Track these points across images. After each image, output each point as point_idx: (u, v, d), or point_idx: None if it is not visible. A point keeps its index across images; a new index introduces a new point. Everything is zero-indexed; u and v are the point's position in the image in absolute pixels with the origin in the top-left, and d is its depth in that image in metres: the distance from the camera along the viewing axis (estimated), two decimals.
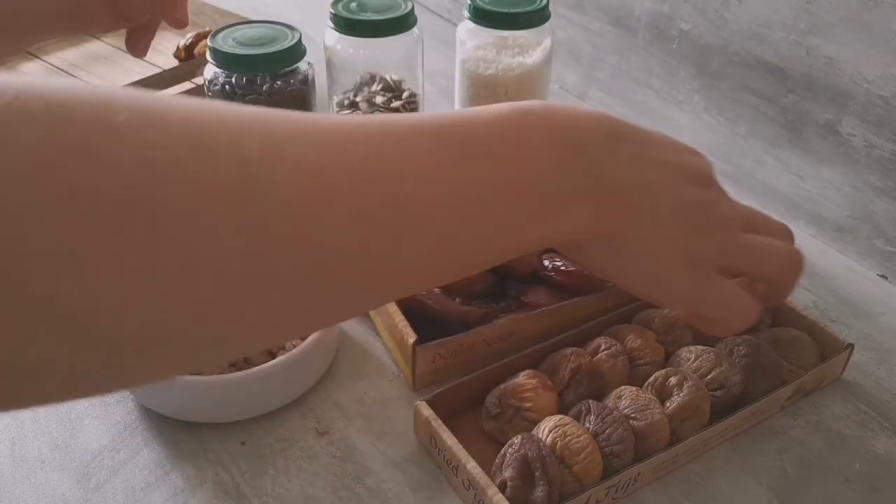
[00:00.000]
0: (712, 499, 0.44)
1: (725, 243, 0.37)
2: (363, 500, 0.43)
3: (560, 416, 0.43)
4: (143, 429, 0.46)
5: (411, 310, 0.49)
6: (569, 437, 0.42)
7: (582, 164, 0.32)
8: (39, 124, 0.19)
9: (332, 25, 0.64)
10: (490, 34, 0.66)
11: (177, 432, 0.46)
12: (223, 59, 0.60)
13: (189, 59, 0.79)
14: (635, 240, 0.34)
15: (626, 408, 0.44)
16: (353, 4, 0.64)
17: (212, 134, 0.22)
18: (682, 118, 0.72)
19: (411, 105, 0.68)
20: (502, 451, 0.42)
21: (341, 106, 0.68)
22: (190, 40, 0.80)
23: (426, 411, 0.44)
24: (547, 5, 0.65)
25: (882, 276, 0.61)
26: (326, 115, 0.26)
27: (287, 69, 0.61)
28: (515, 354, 0.48)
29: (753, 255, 0.38)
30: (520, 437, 0.42)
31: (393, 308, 0.49)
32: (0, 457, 0.45)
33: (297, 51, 0.61)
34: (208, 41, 0.61)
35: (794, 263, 0.40)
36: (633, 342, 0.49)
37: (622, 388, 0.45)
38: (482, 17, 0.64)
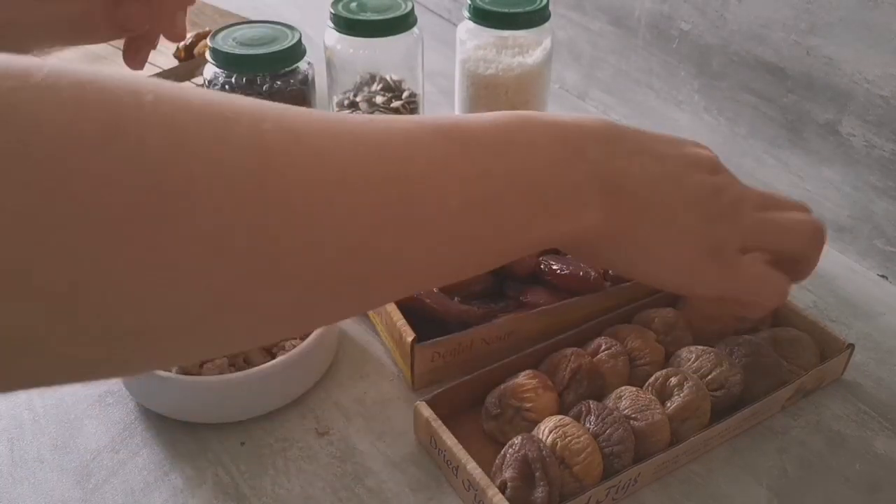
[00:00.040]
0: (713, 499, 0.44)
1: (743, 224, 0.37)
2: (363, 501, 0.43)
3: (560, 417, 0.43)
4: (143, 429, 0.46)
5: (410, 309, 0.49)
6: (569, 438, 0.42)
7: (583, 163, 0.32)
8: (70, 102, 0.19)
9: (331, 25, 0.64)
10: (490, 34, 0.66)
11: (176, 432, 0.46)
12: (223, 59, 0.59)
13: (189, 59, 0.79)
14: (650, 236, 0.34)
15: (626, 408, 0.44)
16: (353, 4, 0.64)
17: (232, 117, 0.22)
18: (682, 118, 0.72)
19: (411, 105, 0.67)
20: (502, 452, 0.42)
21: (341, 106, 0.68)
22: (190, 40, 0.80)
23: (426, 411, 0.44)
24: (547, 5, 0.65)
25: (882, 276, 0.61)
26: (332, 112, 0.27)
27: (287, 69, 0.61)
28: (515, 354, 0.48)
29: (773, 232, 0.38)
30: (520, 437, 0.42)
31: (391, 307, 0.49)
32: None
33: (296, 51, 0.61)
34: (208, 41, 0.61)
35: (816, 234, 0.40)
36: (633, 342, 0.49)
37: (622, 388, 0.45)
38: (482, 16, 0.64)
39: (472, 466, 0.41)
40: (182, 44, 0.79)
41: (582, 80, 0.82)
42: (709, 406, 0.45)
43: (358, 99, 0.67)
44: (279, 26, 0.63)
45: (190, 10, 0.54)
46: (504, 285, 0.54)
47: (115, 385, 0.48)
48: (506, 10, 0.63)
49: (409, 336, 0.47)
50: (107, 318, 0.20)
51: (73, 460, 0.45)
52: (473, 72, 0.67)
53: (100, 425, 0.47)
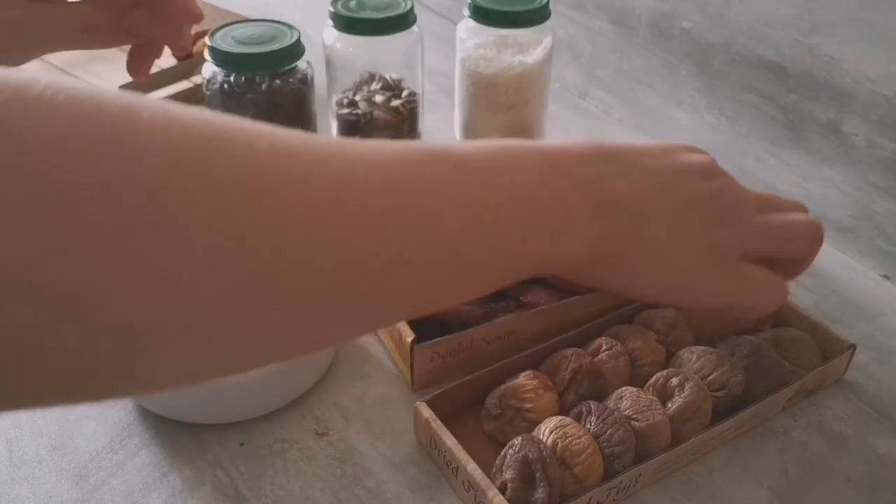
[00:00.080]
0: (713, 500, 0.44)
1: (743, 229, 0.37)
2: (363, 502, 0.43)
3: (561, 417, 0.43)
4: (142, 430, 0.46)
5: None
6: (569, 439, 0.41)
7: (571, 186, 0.32)
8: (67, 116, 0.19)
9: (331, 24, 0.63)
10: (490, 33, 0.65)
11: (175, 433, 0.46)
12: (222, 57, 0.59)
13: (187, 57, 0.79)
14: (647, 252, 0.34)
15: (627, 409, 0.44)
16: (353, 3, 0.64)
17: (227, 136, 0.22)
18: (683, 118, 0.72)
19: (411, 104, 0.67)
20: (503, 453, 0.42)
21: (340, 105, 0.67)
22: None
23: (426, 412, 0.44)
24: (547, 4, 0.64)
25: (884, 277, 0.60)
26: (325, 135, 0.27)
27: (286, 68, 0.61)
28: (516, 355, 0.47)
29: (775, 236, 0.38)
30: (520, 438, 0.42)
31: None
32: None
33: (296, 49, 0.61)
34: (207, 40, 0.61)
35: (816, 235, 0.40)
36: (634, 343, 0.49)
37: (623, 388, 0.45)
38: (482, 15, 0.64)
39: (472, 467, 0.41)
40: None
41: (582, 80, 0.82)
42: (710, 407, 0.45)
43: (357, 98, 0.67)
44: (278, 25, 0.62)
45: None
46: None
47: None
48: (506, 9, 0.63)
49: (409, 336, 0.47)
50: (99, 326, 0.20)
51: (72, 461, 0.44)
52: (473, 71, 0.67)
53: (98, 426, 0.46)
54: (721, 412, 0.45)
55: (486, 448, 0.44)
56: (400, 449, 0.46)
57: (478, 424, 0.46)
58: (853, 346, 0.49)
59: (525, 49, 0.66)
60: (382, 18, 0.62)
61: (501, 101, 0.68)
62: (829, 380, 0.50)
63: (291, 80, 0.61)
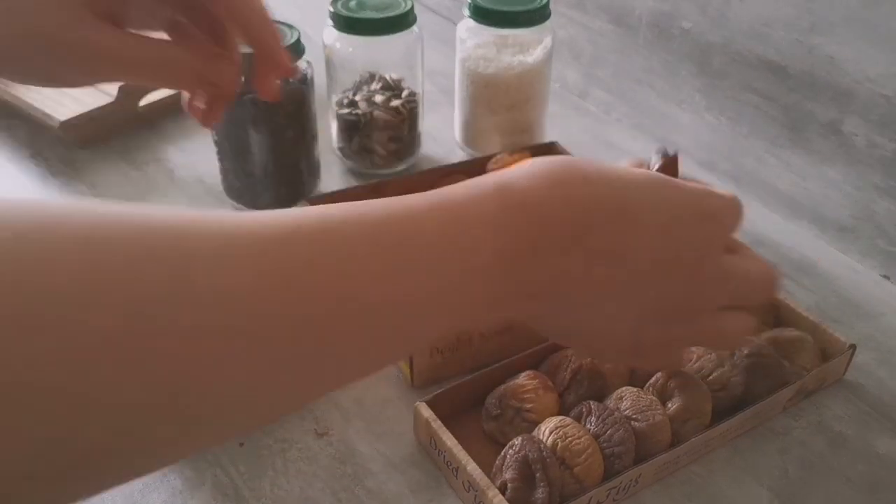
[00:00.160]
0: (714, 500, 0.44)
1: (691, 328, 0.36)
2: (362, 502, 0.43)
3: (561, 418, 0.43)
4: None
5: None
6: (569, 439, 0.41)
7: (531, 267, 0.29)
8: None
9: (331, 24, 0.63)
10: (490, 33, 0.65)
11: None
12: None
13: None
14: (588, 332, 0.34)
15: (627, 409, 0.44)
16: (353, 3, 0.64)
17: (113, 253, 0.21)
18: (683, 117, 0.72)
19: (411, 104, 0.67)
20: (503, 453, 0.42)
21: (340, 105, 0.67)
22: None
23: (426, 412, 0.44)
24: (547, 4, 0.64)
25: (884, 277, 0.60)
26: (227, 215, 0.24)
27: None
28: (516, 355, 0.47)
29: (721, 336, 0.38)
30: (520, 438, 0.42)
31: None
32: None
33: (295, 49, 0.61)
34: None
35: (770, 285, 0.37)
36: None
37: (623, 388, 0.45)
38: (482, 15, 0.64)
39: (472, 467, 0.40)
40: None
41: (582, 79, 0.82)
42: (710, 407, 0.45)
43: (357, 98, 0.67)
44: (278, 25, 0.62)
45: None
46: None
47: None
48: (506, 9, 0.63)
49: None
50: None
51: None
52: (473, 70, 0.67)
53: None
54: (721, 412, 0.45)
55: (486, 448, 0.44)
56: (400, 449, 0.46)
57: (478, 424, 0.46)
58: (853, 346, 0.49)
59: (525, 49, 0.66)
60: (382, 18, 0.62)
61: (501, 101, 0.68)
62: (829, 380, 0.50)
63: (291, 80, 0.61)
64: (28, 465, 0.19)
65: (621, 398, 0.44)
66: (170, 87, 0.41)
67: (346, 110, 0.67)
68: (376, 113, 0.66)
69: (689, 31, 0.68)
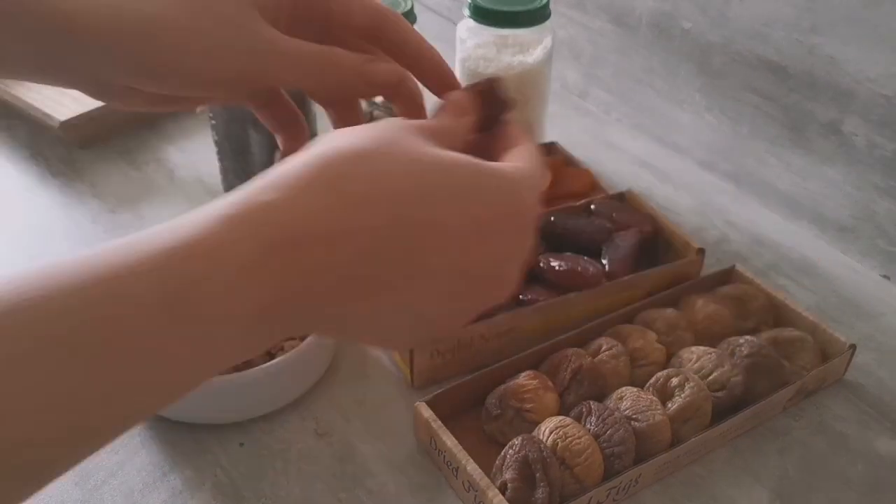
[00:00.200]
0: (714, 500, 0.44)
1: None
2: (363, 502, 0.43)
3: (561, 418, 0.43)
4: (142, 430, 0.46)
5: None
6: (570, 439, 0.41)
7: (298, 311, 0.25)
8: None
9: None
10: (490, 32, 0.65)
11: (175, 433, 0.46)
12: None
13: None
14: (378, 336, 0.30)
15: (627, 409, 0.44)
16: None
17: None
18: (683, 117, 0.72)
19: None
20: (503, 453, 0.42)
21: None
22: None
23: (426, 412, 0.44)
24: (547, 4, 0.64)
25: (884, 277, 0.60)
26: None
27: None
28: (516, 355, 0.47)
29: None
30: (520, 438, 0.42)
31: None
32: None
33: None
34: None
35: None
36: (634, 343, 0.49)
37: (623, 388, 0.45)
38: (482, 15, 0.64)
39: (472, 467, 0.40)
40: None
41: (583, 79, 0.82)
42: (710, 407, 0.45)
43: None
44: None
45: None
46: None
47: None
48: (506, 9, 0.63)
49: None
50: None
51: None
52: (473, 70, 0.67)
53: None
54: (721, 412, 0.45)
55: (487, 448, 0.44)
56: (400, 449, 0.46)
57: (478, 424, 0.46)
58: (853, 346, 0.49)
59: (525, 49, 0.66)
60: None
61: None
62: (829, 380, 0.50)
63: None
64: None
65: (621, 398, 0.44)
66: (328, 91, 0.37)
67: None
68: (376, 113, 0.66)
69: (689, 31, 0.68)
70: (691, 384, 0.45)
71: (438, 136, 0.30)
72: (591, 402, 0.44)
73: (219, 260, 0.23)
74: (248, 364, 0.46)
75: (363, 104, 0.66)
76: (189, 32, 0.31)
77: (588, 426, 0.43)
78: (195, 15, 0.31)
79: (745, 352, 0.47)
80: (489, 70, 0.66)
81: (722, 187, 0.70)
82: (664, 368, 0.47)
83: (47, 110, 0.69)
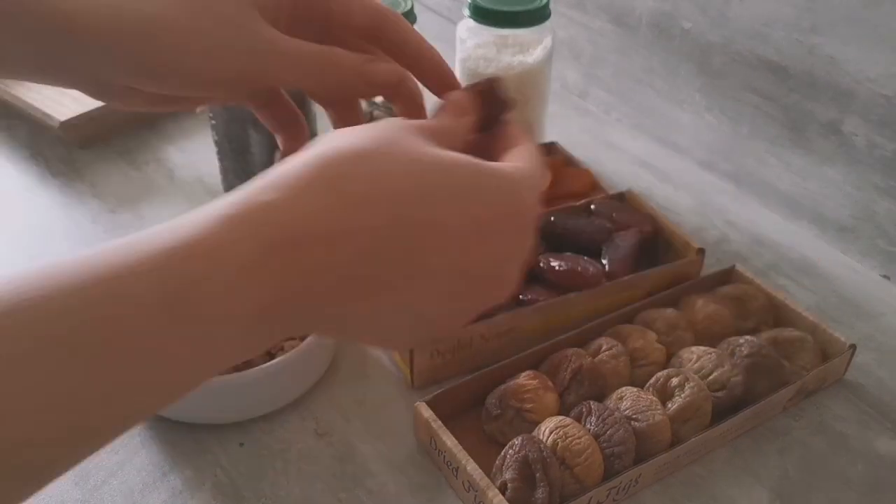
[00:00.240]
0: (714, 500, 0.44)
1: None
2: (363, 502, 0.43)
3: (561, 418, 0.43)
4: (142, 430, 0.46)
5: None
6: (570, 439, 0.41)
7: (298, 311, 0.25)
8: None
9: None
10: (490, 32, 0.65)
11: (175, 433, 0.46)
12: None
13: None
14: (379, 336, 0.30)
15: (627, 409, 0.44)
16: None
17: None
18: (683, 117, 0.72)
19: None
20: (503, 453, 0.42)
21: None
22: None
23: (426, 412, 0.44)
24: (547, 4, 0.64)
25: (884, 277, 0.60)
26: None
27: None
28: (516, 355, 0.47)
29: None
30: (520, 438, 0.42)
31: None
32: None
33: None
34: None
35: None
36: (634, 343, 0.49)
37: (623, 388, 0.45)
38: (482, 15, 0.64)
39: (472, 467, 0.40)
40: None
41: (583, 79, 0.82)
42: (710, 407, 0.45)
43: None
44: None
45: None
46: None
47: None
48: (506, 9, 0.63)
49: None
50: None
51: None
52: (474, 70, 0.67)
53: None
54: (721, 412, 0.45)
55: (487, 448, 0.44)
56: (400, 449, 0.46)
57: (478, 424, 0.46)
58: (853, 346, 0.49)
59: (525, 49, 0.66)
60: None
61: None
62: (829, 380, 0.50)
63: None
64: None
65: (621, 398, 0.44)
66: (328, 91, 0.36)
67: None
68: (376, 113, 0.66)
69: (689, 31, 0.68)
70: (691, 384, 0.45)
71: (438, 136, 0.29)
72: (591, 402, 0.44)
73: (219, 260, 0.23)
74: (248, 364, 0.46)
75: (363, 104, 0.66)
76: (189, 32, 0.31)
77: (588, 426, 0.43)
78: (195, 15, 0.31)
79: (745, 352, 0.47)
80: (489, 70, 0.66)
81: (722, 187, 0.70)
82: (664, 368, 0.47)
83: (47, 110, 0.69)
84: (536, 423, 0.43)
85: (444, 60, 0.37)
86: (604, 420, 0.43)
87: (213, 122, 0.61)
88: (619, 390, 0.45)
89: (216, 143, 0.62)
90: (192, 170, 0.69)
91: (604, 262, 0.54)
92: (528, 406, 0.44)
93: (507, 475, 0.40)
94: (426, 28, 0.67)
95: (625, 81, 0.77)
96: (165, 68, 0.31)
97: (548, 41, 0.66)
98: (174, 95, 0.35)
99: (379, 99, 0.66)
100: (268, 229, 0.24)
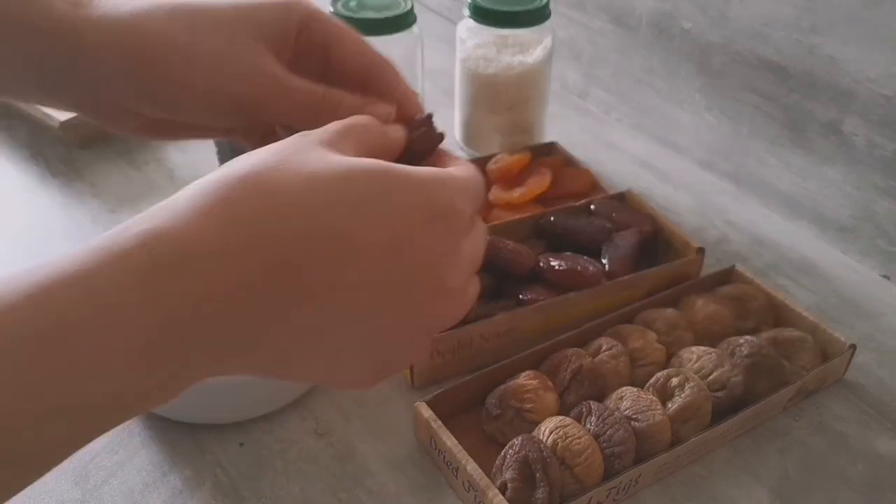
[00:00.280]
0: (714, 500, 0.44)
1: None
2: (363, 502, 0.43)
3: (561, 418, 0.43)
4: (141, 430, 0.46)
5: None
6: (570, 439, 0.41)
7: (204, 329, 0.24)
8: None
9: None
10: (490, 33, 0.65)
11: (175, 433, 0.46)
12: None
13: None
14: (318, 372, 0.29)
15: (627, 409, 0.44)
16: (353, 3, 0.64)
17: None
18: (683, 117, 0.72)
19: None
20: (503, 453, 0.42)
21: None
22: None
23: (426, 412, 0.44)
24: (547, 4, 0.64)
25: (884, 277, 0.60)
26: None
27: None
28: (516, 355, 0.47)
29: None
30: (520, 438, 0.42)
31: None
32: None
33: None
34: None
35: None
36: (634, 343, 0.49)
37: (623, 388, 0.45)
38: (482, 15, 0.64)
39: (472, 467, 0.40)
40: None
41: (583, 79, 0.82)
42: (710, 407, 0.45)
43: None
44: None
45: None
46: (503, 285, 0.54)
47: None
48: (506, 9, 0.63)
49: None
50: None
51: (72, 461, 0.44)
52: (474, 70, 0.67)
53: None
54: (721, 412, 0.45)
55: (487, 448, 0.44)
56: (400, 449, 0.46)
57: (478, 424, 0.46)
58: (853, 346, 0.49)
59: (525, 49, 0.66)
60: (382, 18, 0.62)
61: (501, 101, 0.68)
62: (829, 380, 0.50)
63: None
64: None
65: (621, 398, 0.44)
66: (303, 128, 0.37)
67: None
68: None
69: (689, 31, 0.68)
70: (691, 384, 0.45)
71: (349, 139, 0.29)
72: (591, 402, 0.44)
73: (93, 288, 0.22)
74: None
75: None
76: (196, 53, 0.32)
77: (588, 426, 0.43)
78: (204, 37, 0.32)
79: (745, 352, 0.47)
80: (489, 70, 0.66)
81: (722, 187, 0.70)
82: (664, 368, 0.47)
83: (47, 110, 0.69)
84: (536, 423, 0.43)
85: (422, 107, 0.37)
86: (604, 420, 0.43)
87: None
88: (619, 390, 0.45)
89: (216, 143, 0.62)
90: (192, 170, 0.69)
91: (604, 261, 0.54)
92: (528, 406, 0.44)
93: (507, 475, 0.40)
94: (426, 28, 0.68)
95: (625, 81, 0.77)
96: (167, 87, 0.32)
97: (548, 41, 0.66)
98: (173, 121, 0.35)
99: None
100: (147, 254, 0.23)
